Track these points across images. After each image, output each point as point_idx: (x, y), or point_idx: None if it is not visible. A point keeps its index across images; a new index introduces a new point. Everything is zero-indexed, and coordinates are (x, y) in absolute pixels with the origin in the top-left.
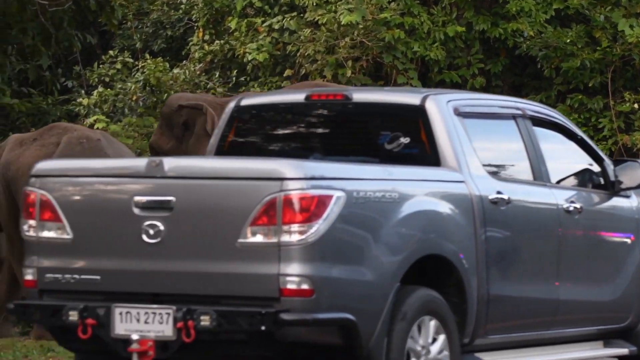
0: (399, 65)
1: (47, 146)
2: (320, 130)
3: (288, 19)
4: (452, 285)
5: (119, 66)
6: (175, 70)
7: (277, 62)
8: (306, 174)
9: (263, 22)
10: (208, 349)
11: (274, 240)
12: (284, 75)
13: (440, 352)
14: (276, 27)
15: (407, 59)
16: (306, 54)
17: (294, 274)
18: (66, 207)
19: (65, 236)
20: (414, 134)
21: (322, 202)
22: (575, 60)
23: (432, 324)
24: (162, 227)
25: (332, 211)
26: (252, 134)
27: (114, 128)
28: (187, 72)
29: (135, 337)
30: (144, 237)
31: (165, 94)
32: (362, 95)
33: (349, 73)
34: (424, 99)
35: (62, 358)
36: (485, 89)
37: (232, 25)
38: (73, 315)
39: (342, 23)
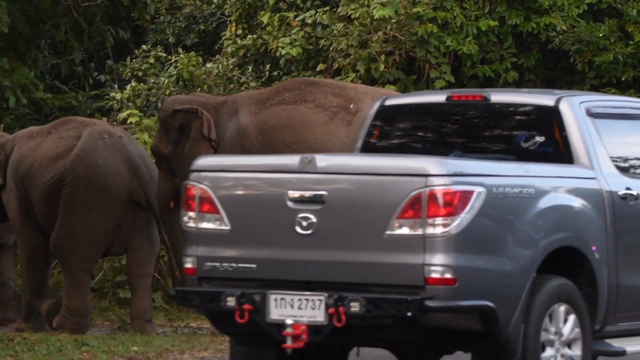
0: (431, 59)
1: (66, 139)
2: (459, 129)
3: (321, 13)
4: (584, 275)
5: (151, 60)
6: (208, 65)
7: (310, 56)
8: (449, 170)
9: (296, 16)
10: (357, 333)
11: (419, 232)
12: (317, 69)
13: (572, 336)
14: (309, 21)
15: (439, 53)
16: (339, 48)
17: (438, 264)
18: (224, 200)
19: (223, 227)
20: (548, 133)
21: (464, 197)
22: (608, 55)
23: (564, 309)
24: (314, 220)
25: (473, 205)
26: (396, 133)
27: (147, 122)
28: (219, 66)
29: (289, 321)
30: (297, 229)
31: (199, 88)
32: (499, 97)
33: (381, 67)
34: (558, 100)
35: (96, 352)
36: (518, 83)
37: (265, 19)
38: (231, 301)
39: (375, 17)
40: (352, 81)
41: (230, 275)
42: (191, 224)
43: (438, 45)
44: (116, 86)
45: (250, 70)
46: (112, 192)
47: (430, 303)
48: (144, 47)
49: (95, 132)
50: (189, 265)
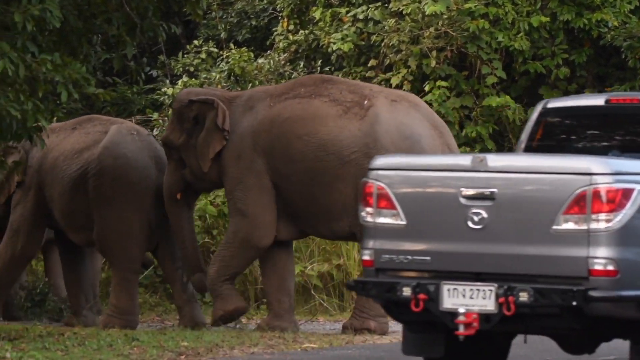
0: (483, 55)
1: (92, 134)
2: (617, 130)
3: (372, 9)
4: None
5: (203, 56)
6: (260, 60)
7: (361, 52)
8: (612, 170)
9: (347, 12)
10: (524, 321)
11: (584, 227)
12: (369, 65)
13: None
14: (361, 17)
15: (491, 49)
16: (390, 44)
17: (601, 257)
18: (400, 197)
19: (400, 222)
20: None
21: (625, 194)
22: None
23: None
24: (485, 215)
25: (634, 202)
26: (558, 133)
27: None
28: (271, 62)
29: (461, 310)
30: (469, 224)
31: (250, 84)
32: None
33: (433, 63)
34: None
35: (147, 347)
36: (570, 79)
37: (317, 15)
38: (406, 291)
39: (427, 13)
40: (403, 77)
41: (405, 266)
42: (369, 219)
43: (489, 41)
44: (168, 81)
45: (301, 65)
46: (141, 186)
47: (593, 293)
48: (195, 42)
49: (124, 128)
50: (366, 258)
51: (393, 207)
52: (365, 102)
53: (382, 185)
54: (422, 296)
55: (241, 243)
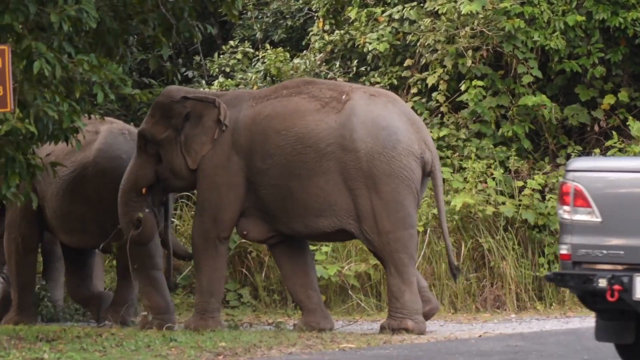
0: (519, 54)
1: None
2: None
3: (408, 9)
4: None
5: (239, 56)
6: (296, 60)
7: (397, 51)
8: None
9: (383, 12)
10: None
11: None
12: (404, 65)
13: None
14: (396, 16)
15: (527, 49)
16: (426, 44)
17: None
18: (595, 196)
19: (595, 219)
20: None
21: None
22: None
23: None
24: None
25: None
26: None
27: None
28: (307, 62)
29: None
30: None
31: None
32: None
33: (469, 62)
34: None
35: (185, 348)
36: (605, 78)
37: (352, 15)
38: (602, 283)
39: (462, 12)
40: (439, 76)
41: (600, 260)
42: (566, 216)
43: (525, 41)
44: (204, 82)
45: (337, 65)
46: None
47: None
48: (231, 42)
49: (115, 128)
50: (564, 252)
51: (589, 205)
52: (343, 96)
53: (579, 185)
54: (616, 287)
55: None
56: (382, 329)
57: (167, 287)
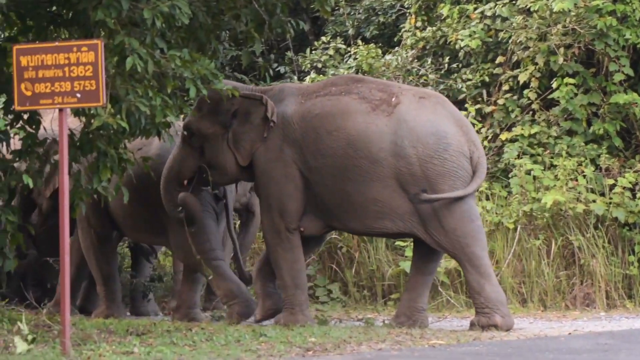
0: (610, 52)
1: None
2: None
3: (500, 6)
4: None
5: (331, 52)
6: (387, 57)
7: (488, 48)
8: None
9: (475, 9)
10: None
11: None
12: (496, 62)
13: None
14: (488, 13)
15: (619, 47)
16: (518, 41)
17: None
18: None
19: None
20: None
21: None
22: None
23: None
24: None
25: None
26: None
27: None
28: (398, 58)
29: None
30: None
31: None
32: None
33: (560, 60)
34: None
35: (274, 343)
36: None
37: (444, 12)
38: None
39: (554, 10)
40: (531, 74)
41: None
42: None
43: (617, 39)
44: (295, 77)
45: (429, 62)
46: None
47: None
48: (323, 38)
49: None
50: None
51: None
52: (393, 99)
53: None
54: None
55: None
56: (472, 325)
57: (231, 272)
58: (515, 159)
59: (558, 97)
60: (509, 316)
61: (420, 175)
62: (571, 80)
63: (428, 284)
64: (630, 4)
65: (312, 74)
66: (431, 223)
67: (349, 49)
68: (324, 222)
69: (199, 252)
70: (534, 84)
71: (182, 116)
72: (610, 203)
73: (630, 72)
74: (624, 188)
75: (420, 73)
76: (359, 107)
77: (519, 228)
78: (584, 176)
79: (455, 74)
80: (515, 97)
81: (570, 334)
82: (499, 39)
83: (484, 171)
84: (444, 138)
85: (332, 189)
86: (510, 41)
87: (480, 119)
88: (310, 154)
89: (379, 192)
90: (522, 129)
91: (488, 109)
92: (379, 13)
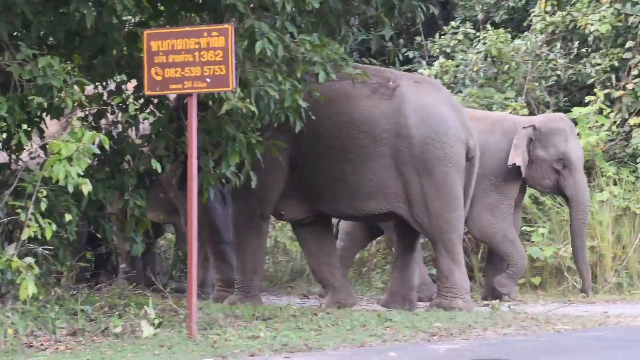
0: None
1: None
2: None
3: None
4: None
5: (460, 37)
6: (517, 42)
7: (618, 33)
8: None
9: None
10: None
11: None
12: (626, 46)
13: None
14: None
15: None
16: None
17: None
18: None
19: None
20: None
21: None
22: None
23: None
24: None
25: None
26: None
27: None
28: (528, 43)
29: None
30: None
31: (507, 65)
32: None
33: None
34: None
35: (399, 328)
36: None
37: None
38: None
39: None
40: None
41: None
42: None
43: None
44: (424, 62)
45: (558, 47)
46: None
47: None
48: (452, 23)
49: None
50: None
51: None
52: (390, 82)
53: None
54: None
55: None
56: (433, 306)
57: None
58: None
59: None
60: (470, 302)
61: (419, 156)
62: None
63: (417, 261)
64: None
65: (441, 59)
66: (417, 205)
67: (478, 33)
68: (308, 206)
69: (206, 234)
70: None
71: None
72: None
73: None
74: None
75: (549, 58)
76: (359, 92)
77: None
78: None
79: (585, 59)
80: None
81: None
82: (629, 24)
83: (477, 162)
84: (445, 121)
85: (328, 171)
86: None
87: (609, 104)
88: (307, 140)
89: (373, 172)
90: None
91: (617, 94)
92: None
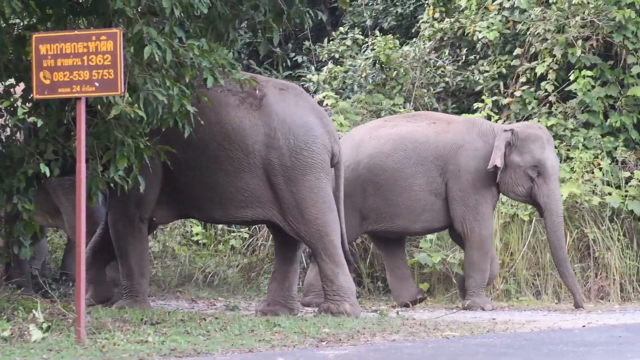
0: (629, 45)
1: None
2: None
3: None
4: None
5: (348, 43)
6: (405, 48)
7: (507, 40)
8: None
9: (493, 0)
10: None
11: None
12: (514, 54)
13: None
14: (507, 5)
15: (637, 39)
16: (536, 33)
17: None
18: None
19: None
20: None
21: None
22: None
23: None
24: None
25: None
26: None
27: (342, 105)
28: (416, 49)
29: None
30: None
31: (395, 71)
32: None
33: (578, 52)
34: None
35: (288, 333)
36: None
37: (463, 3)
38: None
39: (573, 2)
40: (548, 66)
41: None
42: None
43: (636, 31)
44: (313, 68)
45: (446, 54)
46: None
47: None
48: (341, 29)
49: None
50: None
51: None
52: (257, 91)
53: None
54: None
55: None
56: (321, 311)
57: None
58: None
59: (575, 90)
60: (357, 305)
61: (290, 166)
62: (589, 73)
63: (297, 272)
64: None
65: (330, 64)
66: (292, 212)
67: (366, 39)
68: (178, 211)
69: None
70: (551, 76)
71: None
72: (626, 196)
73: None
74: None
75: (437, 64)
76: (228, 101)
77: (534, 220)
78: (600, 169)
79: (473, 66)
80: (532, 89)
81: (584, 326)
82: (517, 31)
83: (343, 166)
84: (312, 130)
85: (202, 179)
86: (528, 33)
87: (497, 111)
88: (179, 147)
89: (247, 183)
90: (539, 121)
91: (505, 101)
92: (397, 4)
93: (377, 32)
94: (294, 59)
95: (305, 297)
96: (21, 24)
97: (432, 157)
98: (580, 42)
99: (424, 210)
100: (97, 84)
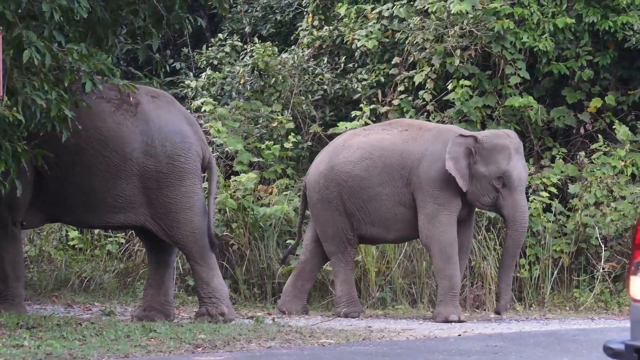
0: (507, 55)
1: None
2: None
3: (398, 7)
4: None
5: (227, 49)
6: (284, 55)
7: (385, 49)
8: None
9: (373, 9)
10: None
11: None
12: (392, 62)
13: None
14: (386, 14)
15: (515, 49)
16: (415, 42)
17: None
18: None
19: None
20: None
21: None
22: None
23: None
24: None
25: None
26: None
27: (221, 111)
28: (295, 57)
29: None
30: None
31: (273, 79)
32: None
33: (456, 62)
34: None
35: (164, 339)
36: (593, 81)
37: (342, 11)
38: None
39: (452, 12)
40: (426, 75)
41: None
42: None
43: (514, 42)
44: (191, 74)
45: (325, 61)
46: None
47: None
48: (220, 35)
49: None
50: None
51: None
52: (131, 98)
53: None
54: None
55: None
56: (200, 315)
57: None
58: None
59: (453, 99)
60: (232, 308)
61: (167, 172)
62: (467, 82)
63: (172, 277)
64: (528, 8)
65: (208, 71)
66: (167, 216)
67: (245, 46)
68: (47, 215)
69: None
70: (430, 85)
71: None
72: None
73: (526, 76)
74: None
75: (316, 72)
76: (103, 107)
77: None
78: None
79: (351, 74)
80: (410, 98)
81: (460, 335)
82: (396, 40)
83: (215, 170)
84: (187, 137)
85: (77, 184)
86: (407, 42)
87: (374, 119)
88: (53, 151)
89: (122, 189)
90: None
91: (383, 110)
92: (276, 11)
93: (256, 39)
94: (173, 65)
95: (338, 308)
96: None
97: (397, 166)
98: (458, 51)
99: (396, 220)
100: None
